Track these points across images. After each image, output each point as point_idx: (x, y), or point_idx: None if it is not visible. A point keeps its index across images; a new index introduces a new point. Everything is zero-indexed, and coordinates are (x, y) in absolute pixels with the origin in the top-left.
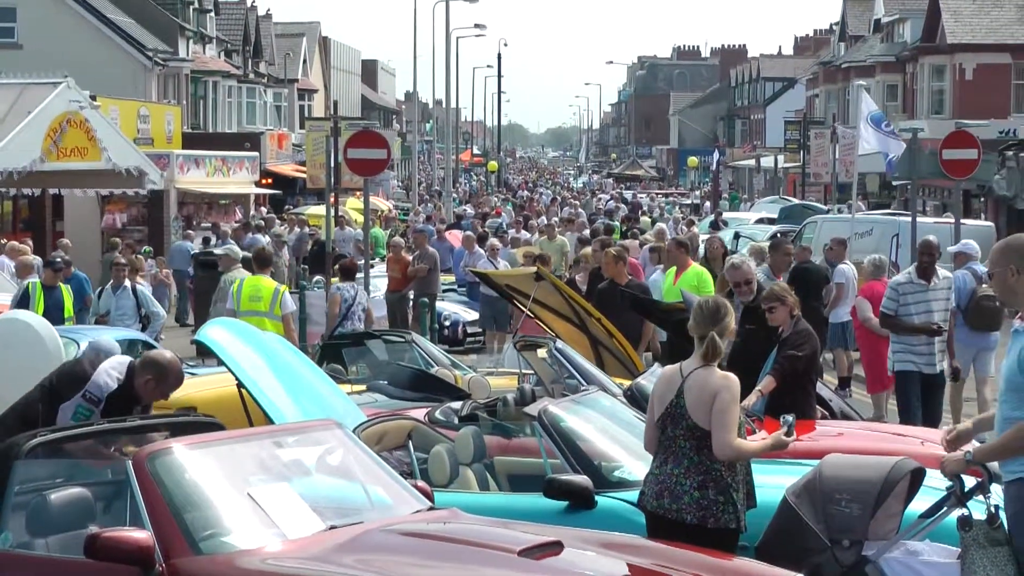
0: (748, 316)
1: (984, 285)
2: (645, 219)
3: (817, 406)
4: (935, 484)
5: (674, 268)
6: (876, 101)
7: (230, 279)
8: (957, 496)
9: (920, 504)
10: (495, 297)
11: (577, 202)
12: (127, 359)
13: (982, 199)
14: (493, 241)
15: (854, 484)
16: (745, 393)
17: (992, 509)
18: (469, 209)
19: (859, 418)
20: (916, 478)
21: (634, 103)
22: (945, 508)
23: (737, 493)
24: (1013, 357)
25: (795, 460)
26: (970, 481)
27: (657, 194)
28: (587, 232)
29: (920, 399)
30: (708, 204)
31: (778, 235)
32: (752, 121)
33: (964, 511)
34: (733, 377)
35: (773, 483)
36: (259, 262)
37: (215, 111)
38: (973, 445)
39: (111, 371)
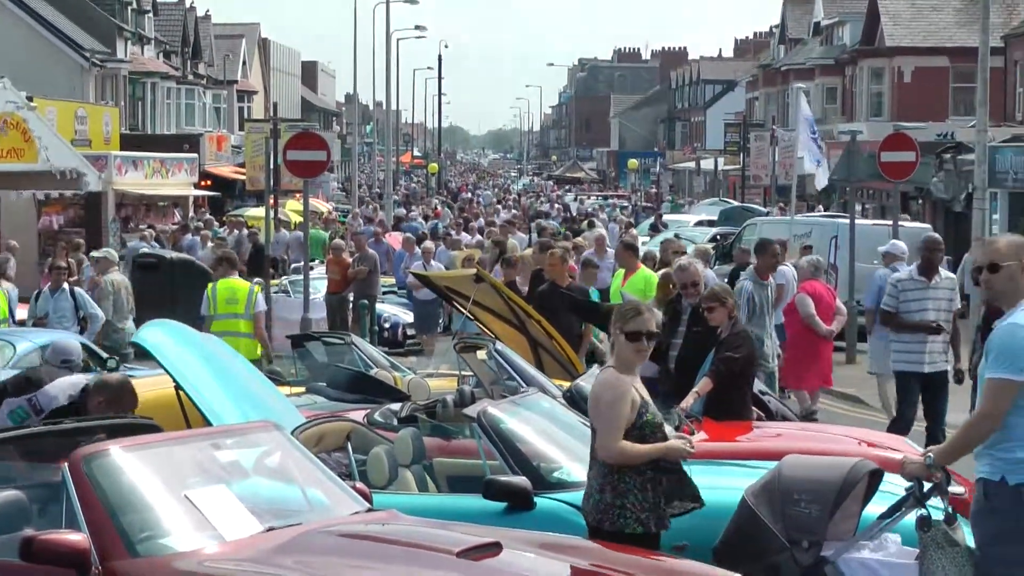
0: (695, 319)
1: None
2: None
3: (754, 407)
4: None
5: (622, 271)
6: (815, 104)
7: (109, 280)
8: (916, 497)
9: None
10: (425, 300)
11: (500, 204)
12: (84, 380)
13: (920, 201)
14: (427, 244)
15: (813, 485)
16: (686, 393)
17: (950, 510)
18: (415, 212)
19: (796, 419)
20: (874, 479)
21: (574, 105)
22: (904, 509)
23: (637, 496)
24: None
25: (733, 461)
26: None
27: (591, 196)
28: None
29: (918, 400)
30: (630, 207)
31: (714, 236)
32: (692, 123)
33: (923, 512)
34: (618, 378)
35: (705, 484)
36: (229, 263)
37: (153, 112)
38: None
39: (67, 389)
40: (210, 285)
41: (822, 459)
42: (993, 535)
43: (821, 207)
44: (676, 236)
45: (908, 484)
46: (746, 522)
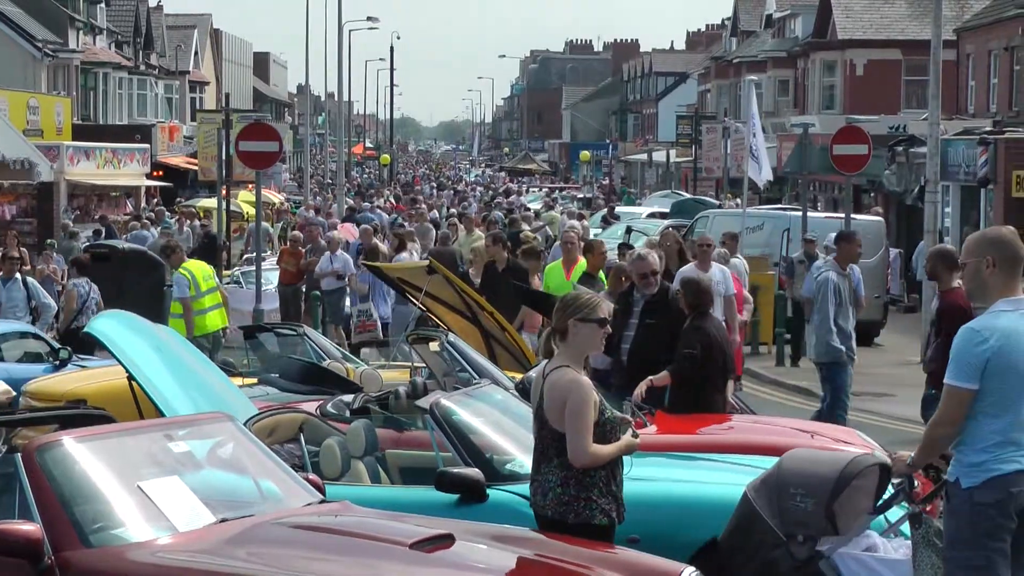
0: (649, 310)
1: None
2: (554, 214)
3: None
4: None
5: (559, 262)
6: (767, 96)
7: None
8: (906, 493)
9: None
10: (330, 290)
11: (458, 196)
12: None
13: (872, 194)
14: (334, 234)
15: (809, 479)
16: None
17: (942, 507)
18: (377, 202)
19: (750, 411)
20: (885, 475)
21: (526, 97)
22: (894, 506)
23: (601, 489)
24: None
25: (682, 453)
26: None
27: (543, 187)
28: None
29: None
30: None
31: (667, 227)
32: (644, 116)
33: (914, 508)
34: (582, 380)
35: (655, 476)
36: (181, 250)
37: (105, 103)
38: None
39: None
40: (182, 270)
41: (821, 453)
42: (951, 537)
43: (737, 200)
44: (628, 229)
45: (897, 481)
46: (745, 516)
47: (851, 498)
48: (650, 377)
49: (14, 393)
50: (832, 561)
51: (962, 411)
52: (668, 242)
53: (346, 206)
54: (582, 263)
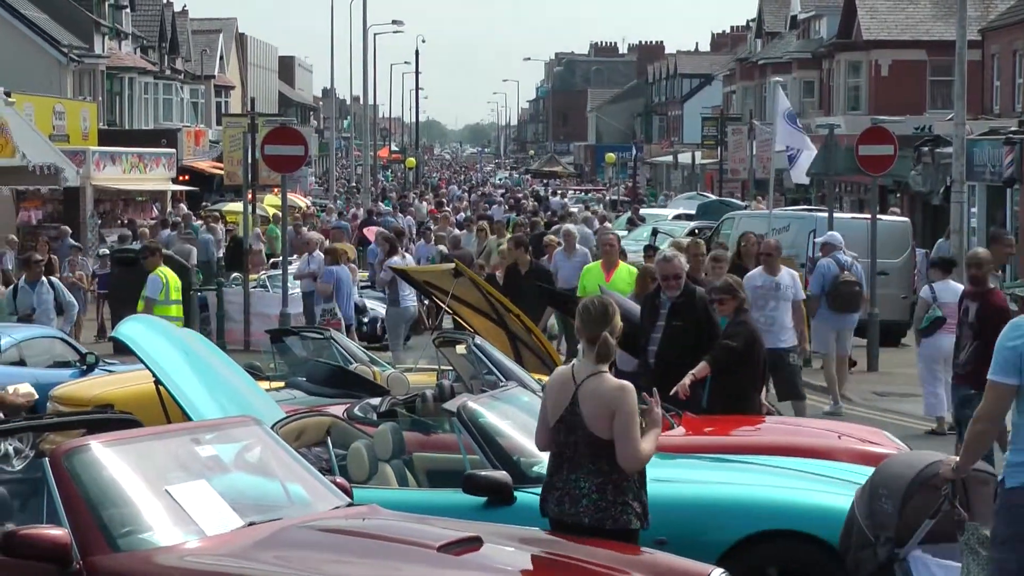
0: (674, 313)
1: (846, 272)
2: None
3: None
4: (852, 477)
5: (598, 263)
6: (793, 97)
7: None
8: (950, 500)
9: None
10: (307, 293)
11: (485, 200)
12: None
13: (898, 195)
14: (317, 238)
15: (892, 481)
16: (665, 388)
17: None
18: (383, 205)
19: (778, 413)
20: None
21: (552, 100)
22: (941, 512)
23: (635, 492)
24: None
25: (710, 455)
26: None
27: (568, 190)
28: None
29: None
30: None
31: (693, 229)
32: (669, 117)
33: (960, 514)
34: (627, 386)
35: (681, 477)
36: (162, 255)
37: (131, 108)
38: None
39: None
40: (159, 272)
41: (914, 455)
42: (993, 537)
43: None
44: (654, 231)
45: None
46: (849, 517)
47: (924, 501)
48: (691, 372)
49: (36, 396)
50: (906, 564)
51: (1001, 407)
52: (746, 244)
53: (366, 209)
54: (623, 267)
